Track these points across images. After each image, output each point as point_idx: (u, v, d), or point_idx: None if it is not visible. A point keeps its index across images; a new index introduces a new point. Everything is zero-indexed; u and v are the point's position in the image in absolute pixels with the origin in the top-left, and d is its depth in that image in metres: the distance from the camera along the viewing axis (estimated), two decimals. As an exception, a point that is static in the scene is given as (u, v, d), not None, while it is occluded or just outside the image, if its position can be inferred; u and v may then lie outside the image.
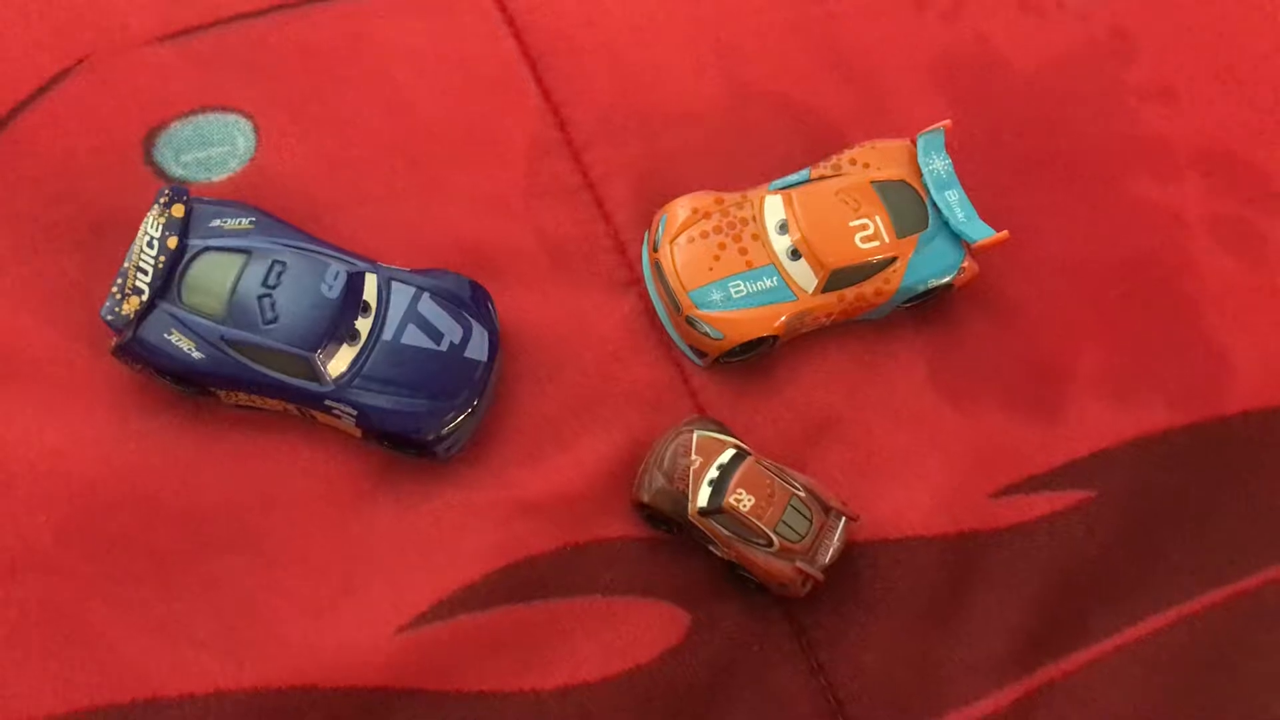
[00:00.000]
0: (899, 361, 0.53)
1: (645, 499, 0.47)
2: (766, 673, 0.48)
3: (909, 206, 0.51)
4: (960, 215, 0.51)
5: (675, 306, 0.50)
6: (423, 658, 0.44)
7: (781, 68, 0.55)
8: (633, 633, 0.47)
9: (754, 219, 0.50)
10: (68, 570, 0.43)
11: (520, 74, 0.53)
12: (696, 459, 0.47)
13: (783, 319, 0.49)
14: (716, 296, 0.49)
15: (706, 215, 0.50)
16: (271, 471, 0.46)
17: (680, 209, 0.50)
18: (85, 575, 0.43)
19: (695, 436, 0.47)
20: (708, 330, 0.49)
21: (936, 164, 0.52)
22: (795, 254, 0.49)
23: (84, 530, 0.43)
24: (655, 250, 0.50)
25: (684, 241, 0.50)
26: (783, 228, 0.49)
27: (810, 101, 0.54)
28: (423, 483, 0.47)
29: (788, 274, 0.49)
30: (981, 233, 0.51)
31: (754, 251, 0.50)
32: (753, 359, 0.51)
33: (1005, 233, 0.50)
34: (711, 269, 0.49)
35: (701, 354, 0.50)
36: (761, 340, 0.49)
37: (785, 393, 0.51)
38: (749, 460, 0.46)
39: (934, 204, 0.51)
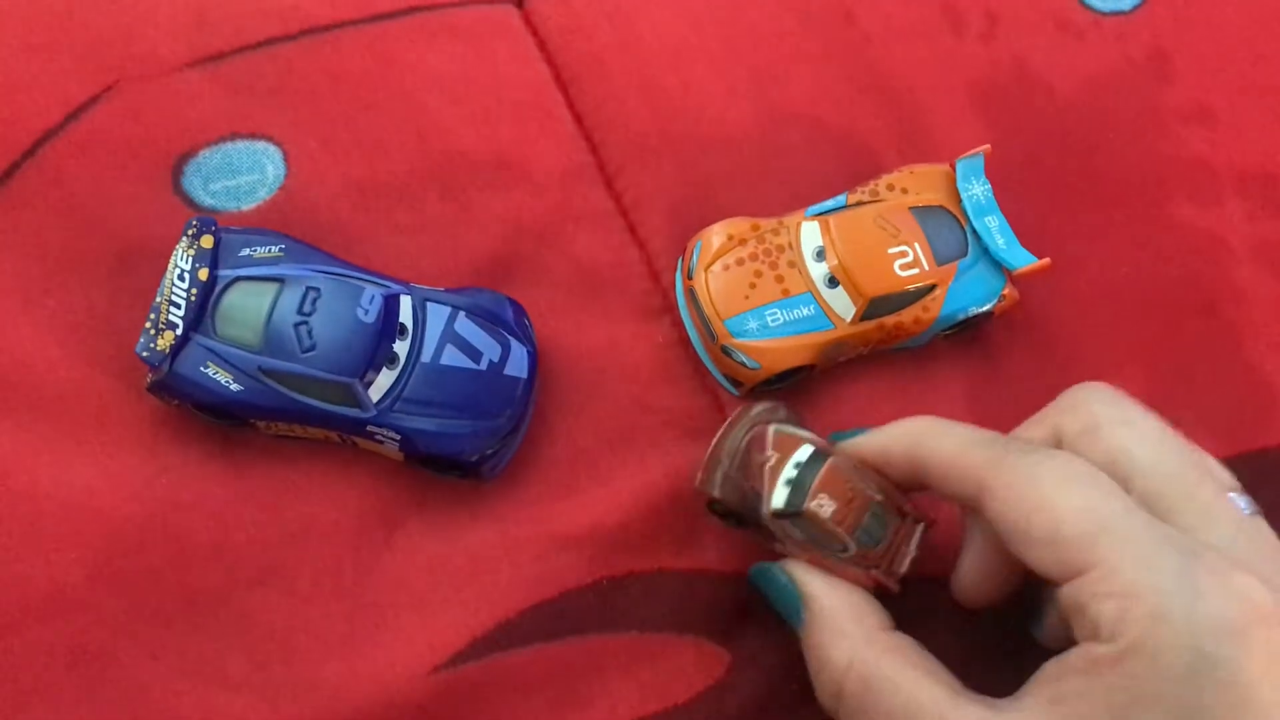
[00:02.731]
0: (938, 391, 0.51)
1: (715, 493, 0.44)
2: (805, 710, 0.47)
3: (948, 233, 0.50)
4: (1000, 242, 0.50)
5: (710, 335, 0.48)
6: (458, 698, 0.43)
7: (816, 91, 0.54)
8: (670, 671, 0.46)
9: (790, 245, 0.49)
10: (98, 610, 0.42)
11: (552, 98, 0.52)
12: (773, 455, 0.43)
13: (820, 348, 0.48)
14: (752, 325, 0.48)
15: (742, 242, 0.49)
16: (303, 505, 0.45)
17: (715, 235, 0.49)
18: (116, 615, 0.42)
19: (771, 431, 0.44)
20: (743, 359, 0.48)
21: (976, 189, 0.51)
22: (833, 281, 0.48)
23: (115, 569, 0.42)
24: (690, 277, 0.49)
25: (719, 269, 0.48)
26: (820, 255, 0.48)
27: (846, 125, 0.53)
28: (457, 516, 0.46)
29: (825, 302, 0.48)
30: (1022, 260, 0.50)
31: (790, 279, 0.48)
32: (789, 387, 0.50)
33: (1046, 260, 0.49)
34: (747, 297, 0.48)
35: (737, 383, 0.49)
36: (798, 369, 0.48)
37: (824, 421, 0.49)
38: (831, 461, 0.43)
39: (974, 230, 0.50)
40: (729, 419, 0.45)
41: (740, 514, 0.44)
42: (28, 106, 0.47)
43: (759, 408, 0.45)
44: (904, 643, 0.40)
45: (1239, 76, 0.59)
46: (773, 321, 0.48)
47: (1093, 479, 0.36)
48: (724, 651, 0.46)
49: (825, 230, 0.48)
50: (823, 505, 0.42)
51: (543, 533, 0.46)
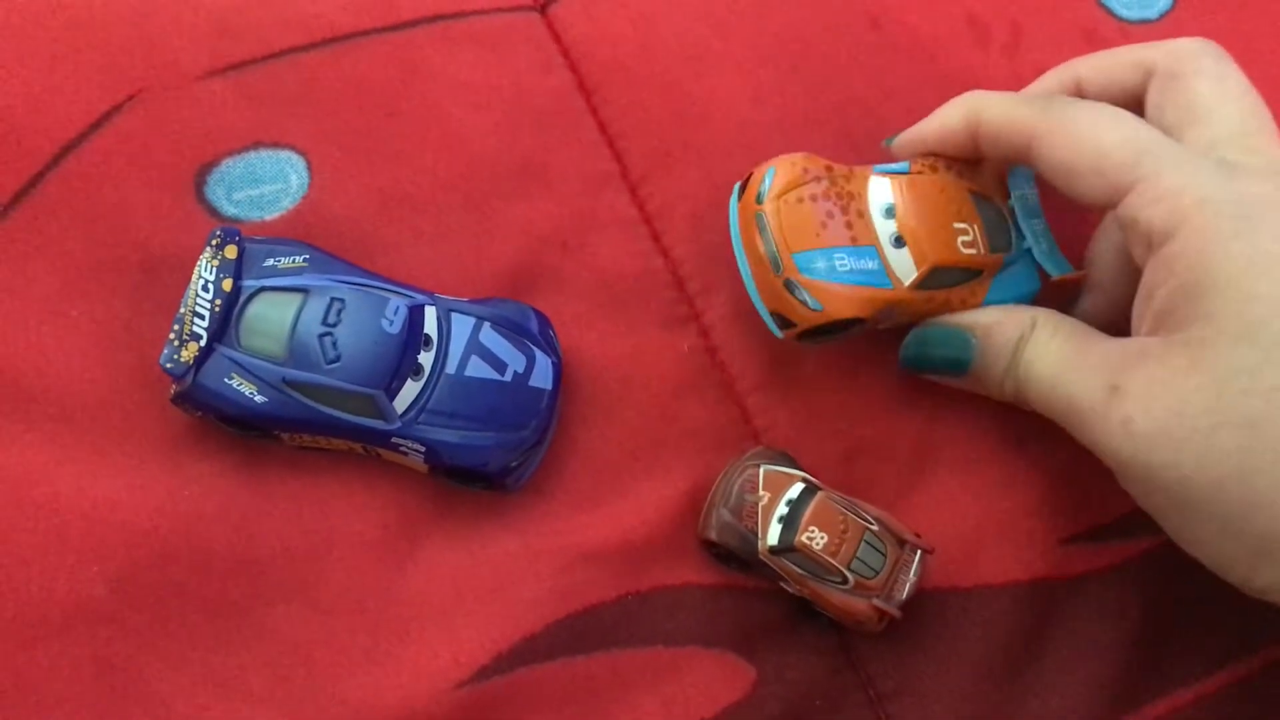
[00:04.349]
0: (968, 403, 0.51)
1: (713, 537, 0.45)
2: (833, 726, 0.46)
3: (998, 224, 0.49)
4: (1044, 246, 0.49)
5: (776, 266, 0.46)
6: (483, 714, 0.43)
7: (840, 99, 0.53)
8: (696, 685, 0.45)
9: (860, 194, 0.47)
10: (121, 623, 0.42)
11: (576, 106, 0.51)
12: (764, 495, 0.45)
13: (878, 304, 0.46)
14: (821, 265, 0.45)
15: (817, 179, 0.47)
16: (326, 517, 0.44)
17: (789, 165, 0.47)
18: (139, 628, 0.42)
19: (761, 471, 0.45)
20: (806, 298, 0.45)
21: (1026, 191, 0.50)
22: (899, 241, 0.46)
23: (138, 581, 0.42)
24: (759, 203, 0.46)
25: (793, 199, 0.46)
26: (889, 212, 0.47)
27: (871, 134, 0.53)
28: (481, 528, 0.45)
29: (888, 261, 0.46)
30: (1061, 268, 0.49)
31: (859, 228, 0.46)
32: (836, 341, 0.48)
33: (1084, 272, 0.49)
34: (819, 235, 0.46)
35: (786, 324, 0.48)
36: (852, 322, 0.47)
37: (855, 432, 0.49)
38: (820, 495, 0.44)
39: (1018, 229, 0.50)
40: (726, 467, 0.46)
41: (740, 556, 0.45)
42: (50, 117, 0.47)
43: (752, 453, 0.46)
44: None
45: (1266, 85, 0.58)
46: (840, 266, 0.46)
47: (1130, 118, 0.40)
48: (750, 667, 0.46)
49: (898, 189, 0.47)
50: (814, 538, 0.43)
51: (567, 545, 0.46)
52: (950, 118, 0.46)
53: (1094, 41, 0.57)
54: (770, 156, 0.52)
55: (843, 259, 0.46)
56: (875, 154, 0.53)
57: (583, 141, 0.52)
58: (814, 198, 0.47)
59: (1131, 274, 0.43)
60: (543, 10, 0.53)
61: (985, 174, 0.50)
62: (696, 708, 0.45)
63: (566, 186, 0.51)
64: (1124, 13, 0.58)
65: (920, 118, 0.54)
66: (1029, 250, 0.49)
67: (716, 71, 0.53)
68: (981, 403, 0.51)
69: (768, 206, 0.46)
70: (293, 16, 0.51)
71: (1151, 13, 0.58)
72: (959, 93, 0.55)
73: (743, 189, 0.48)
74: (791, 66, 0.54)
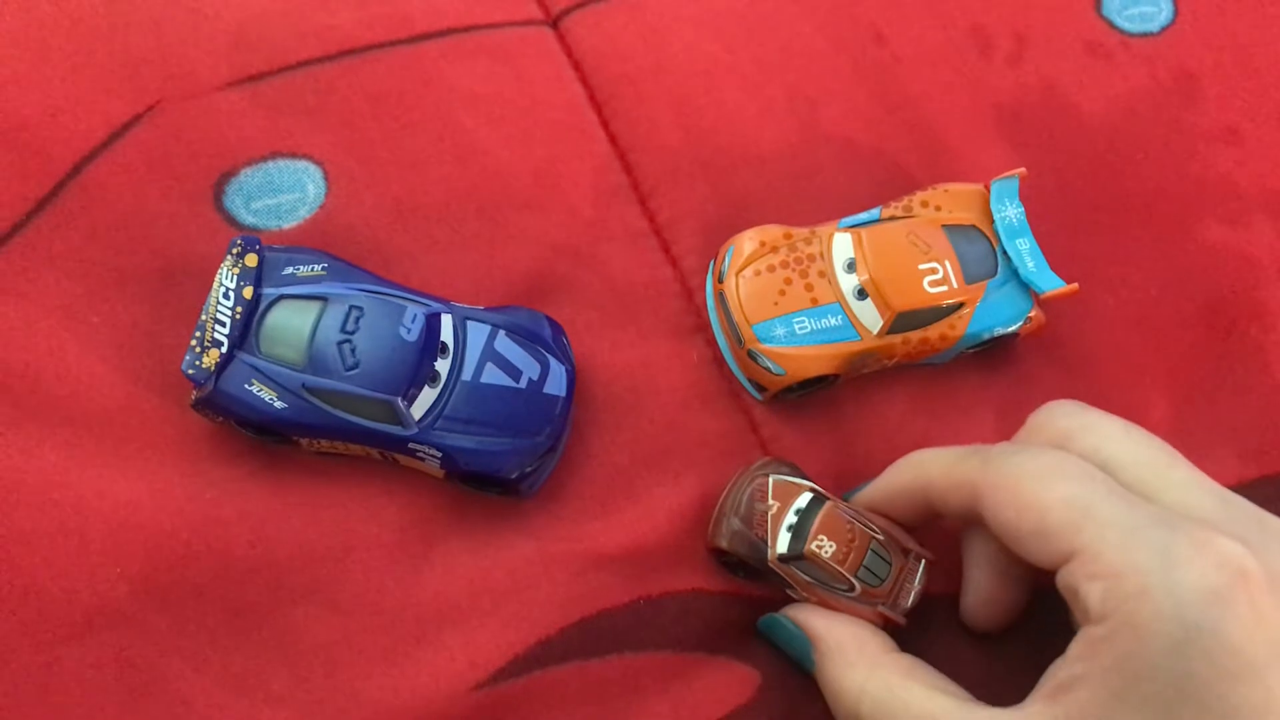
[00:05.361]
0: (968, 415, 0.52)
1: (723, 545, 0.46)
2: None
3: (979, 252, 0.50)
4: (1030, 264, 0.50)
5: (738, 340, 0.48)
6: (499, 715, 0.43)
7: (847, 112, 0.54)
8: (704, 689, 0.46)
9: (822, 255, 0.49)
10: (143, 624, 0.42)
11: (587, 119, 0.52)
12: (773, 504, 0.46)
13: (845, 358, 0.48)
14: (780, 331, 0.48)
15: (774, 249, 0.49)
16: (345, 521, 0.45)
17: (747, 241, 0.49)
18: (160, 629, 0.42)
19: (771, 480, 0.46)
20: (769, 365, 0.48)
21: (1009, 211, 0.51)
22: (862, 294, 0.49)
23: (159, 583, 0.42)
24: (720, 281, 0.49)
25: (750, 274, 0.49)
26: (850, 266, 0.49)
27: (877, 145, 0.54)
28: (496, 532, 0.46)
29: (853, 313, 0.49)
30: (1051, 283, 0.50)
31: (820, 288, 0.49)
32: (813, 396, 0.49)
33: (1074, 285, 0.50)
34: (776, 303, 0.48)
35: (761, 388, 0.50)
36: (822, 378, 0.49)
37: (856, 445, 0.49)
38: (828, 505, 0.45)
39: (1004, 251, 0.51)
40: (734, 476, 0.47)
41: (750, 563, 0.46)
42: (71, 127, 0.48)
43: (760, 462, 0.47)
44: (910, 662, 0.42)
45: (1266, 97, 0.59)
46: (800, 329, 0.48)
47: (1074, 469, 0.37)
48: (755, 672, 0.47)
49: (857, 243, 0.49)
50: (823, 546, 0.44)
51: (580, 551, 0.46)
52: (896, 481, 0.45)
53: (1096, 53, 0.58)
54: (775, 165, 0.54)
55: (802, 322, 0.48)
56: (879, 165, 0.54)
57: (594, 154, 0.52)
58: (771, 268, 0.49)
59: (1005, 573, 0.44)
60: (554, 24, 0.54)
61: (973, 203, 0.51)
62: (705, 711, 0.46)
63: (578, 197, 0.52)
64: (1126, 25, 0.59)
65: (924, 128, 0.55)
66: (1017, 271, 0.50)
67: (725, 86, 0.54)
68: (979, 413, 0.52)
69: (728, 283, 0.49)
70: (308, 29, 0.51)
71: (1153, 26, 0.59)
72: (963, 104, 0.56)
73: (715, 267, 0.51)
74: (798, 81, 0.55)
